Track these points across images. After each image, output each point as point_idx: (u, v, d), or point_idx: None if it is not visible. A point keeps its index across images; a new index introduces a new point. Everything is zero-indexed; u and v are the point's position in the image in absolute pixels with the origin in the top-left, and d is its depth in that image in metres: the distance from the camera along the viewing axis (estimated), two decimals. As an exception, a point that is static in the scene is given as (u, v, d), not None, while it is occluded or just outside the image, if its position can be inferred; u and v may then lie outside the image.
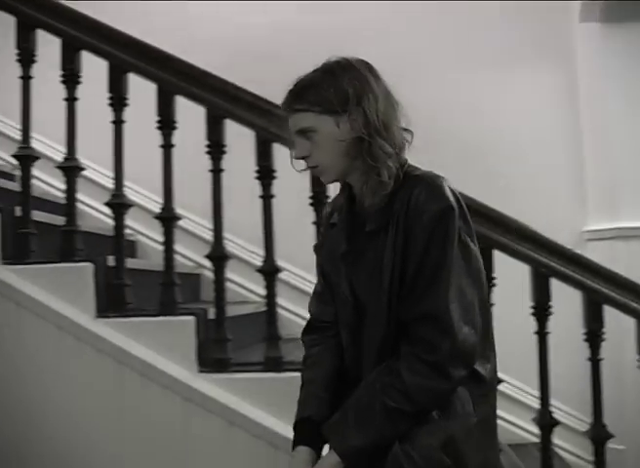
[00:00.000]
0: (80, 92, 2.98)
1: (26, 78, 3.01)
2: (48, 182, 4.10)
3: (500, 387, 2.29)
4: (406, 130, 1.82)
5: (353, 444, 1.72)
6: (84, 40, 2.94)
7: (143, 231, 4.18)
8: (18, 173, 3.34)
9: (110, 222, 3.01)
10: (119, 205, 2.91)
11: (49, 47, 3.00)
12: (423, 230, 1.71)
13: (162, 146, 2.89)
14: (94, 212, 4.13)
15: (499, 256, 2.85)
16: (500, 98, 4.34)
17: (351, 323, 1.85)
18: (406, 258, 1.73)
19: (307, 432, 1.84)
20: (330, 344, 1.96)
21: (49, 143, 4.15)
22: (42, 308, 2.79)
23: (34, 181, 3.15)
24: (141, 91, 2.94)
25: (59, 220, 3.08)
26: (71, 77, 2.95)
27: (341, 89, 1.75)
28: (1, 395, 2.81)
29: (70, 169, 2.95)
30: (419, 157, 1.84)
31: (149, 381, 2.74)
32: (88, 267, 2.83)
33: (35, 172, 3.13)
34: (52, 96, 3.04)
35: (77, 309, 2.81)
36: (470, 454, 1.72)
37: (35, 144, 3.17)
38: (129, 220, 3.01)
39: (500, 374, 1.97)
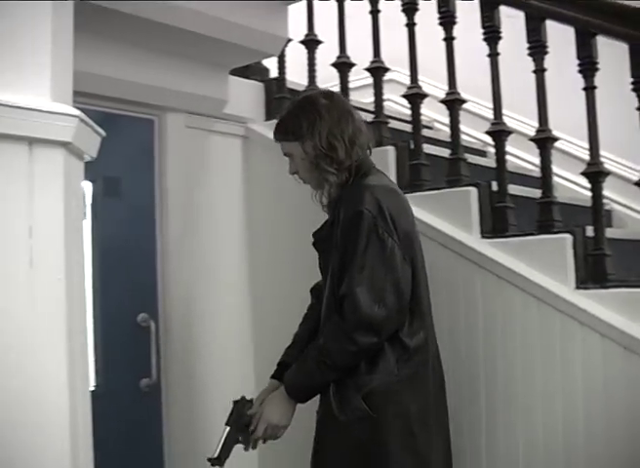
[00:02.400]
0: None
1: (494, 55, 3.07)
2: (519, 156, 4.15)
3: None
4: (353, 143, 2.36)
5: (294, 383, 2.36)
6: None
7: (619, 200, 4.04)
8: (489, 149, 3.42)
9: (586, 193, 2.95)
10: (596, 174, 2.83)
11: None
12: (342, 229, 2.28)
13: None
14: (566, 182, 4.10)
15: None
16: None
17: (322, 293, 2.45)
18: (337, 251, 2.30)
19: (279, 371, 2.55)
20: (314, 311, 2.60)
21: (517, 118, 4.19)
22: (523, 281, 2.81)
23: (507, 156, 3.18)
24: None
25: (534, 193, 3.08)
26: (539, 48, 2.93)
27: (299, 122, 2.38)
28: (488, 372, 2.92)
29: (544, 141, 2.94)
30: None
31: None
32: (567, 238, 2.79)
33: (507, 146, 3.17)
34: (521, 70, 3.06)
35: (556, 280, 2.78)
36: (388, 405, 2.25)
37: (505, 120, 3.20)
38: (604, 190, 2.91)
39: None
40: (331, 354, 2.25)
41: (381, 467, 2.24)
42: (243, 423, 2.43)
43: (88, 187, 2.92)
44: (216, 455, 2.35)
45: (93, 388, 2.84)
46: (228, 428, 2.40)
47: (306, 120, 2.36)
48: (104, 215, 3.10)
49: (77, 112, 1.49)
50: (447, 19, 3.21)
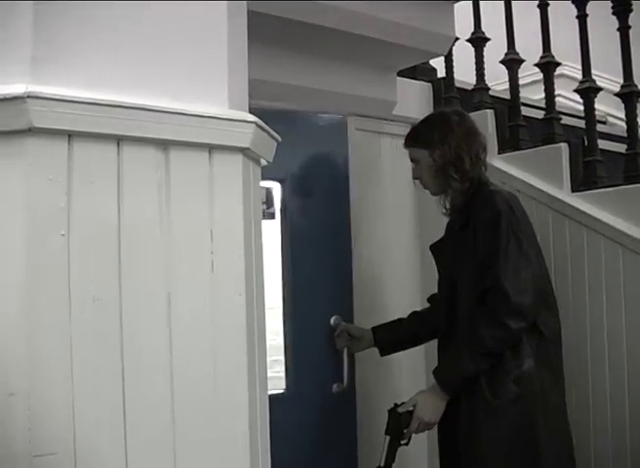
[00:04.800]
0: None
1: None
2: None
3: None
4: (479, 158, 2.65)
5: (447, 377, 2.54)
6: None
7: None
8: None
9: None
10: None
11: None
12: (483, 230, 2.51)
13: None
14: None
15: None
16: None
17: (447, 293, 2.66)
18: (476, 249, 2.52)
19: (377, 329, 2.99)
20: (427, 311, 2.97)
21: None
22: None
23: None
24: None
25: None
26: None
27: (431, 133, 2.68)
28: None
29: None
30: None
31: None
32: None
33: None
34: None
35: None
36: (535, 387, 2.47)
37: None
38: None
39: None
40: (484, 342, 2.44)
41: (534, 447, 2.44)
42: (400, 428, 2.61)
43: (277, 188, 3.02)
44: (382, 464, 2.59)
45: (281, 391, 2.94)
46: (389, 437, 2.61)
47: (438, 132, 2.65)
48: (292, 216, 3.08)
49: (254, 118, 1.52)
50: (621, 7, 3.08)
